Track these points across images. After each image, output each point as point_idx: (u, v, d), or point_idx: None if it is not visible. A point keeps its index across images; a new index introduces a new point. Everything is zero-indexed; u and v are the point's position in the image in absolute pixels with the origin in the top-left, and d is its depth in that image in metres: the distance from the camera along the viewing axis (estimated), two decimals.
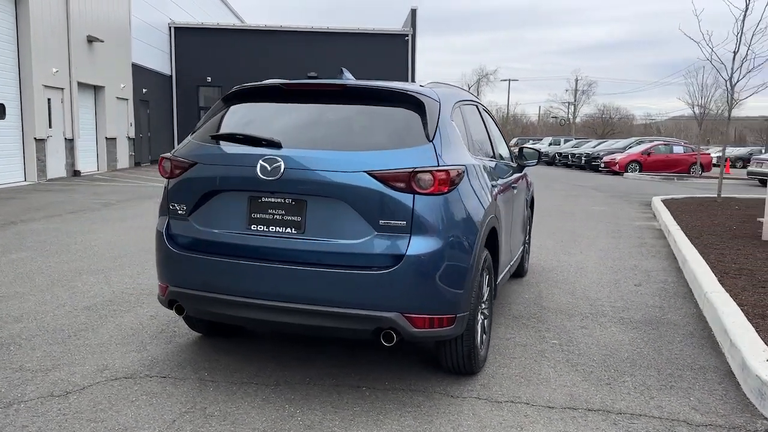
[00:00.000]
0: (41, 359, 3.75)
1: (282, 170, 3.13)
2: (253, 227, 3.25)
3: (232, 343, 4.09)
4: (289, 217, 3.18)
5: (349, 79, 3.86)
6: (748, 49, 12.37)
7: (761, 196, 16.16)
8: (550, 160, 35.39)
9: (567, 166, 33.08)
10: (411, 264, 3.01)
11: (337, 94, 3.54)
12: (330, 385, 3.47)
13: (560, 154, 34.32)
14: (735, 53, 12.80)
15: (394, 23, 32.82)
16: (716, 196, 13.89)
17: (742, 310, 4.59)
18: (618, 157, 26.77)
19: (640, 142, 29.85)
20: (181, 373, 3.59)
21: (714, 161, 30.32)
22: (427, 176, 3.04)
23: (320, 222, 3.14)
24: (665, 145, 28.06)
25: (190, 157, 3.42)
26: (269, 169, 3.14)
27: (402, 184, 3.04)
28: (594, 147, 32.73)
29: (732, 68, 12.89)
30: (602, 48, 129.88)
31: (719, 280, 5.60)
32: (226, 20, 31.77)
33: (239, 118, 3.63)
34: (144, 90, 23.40)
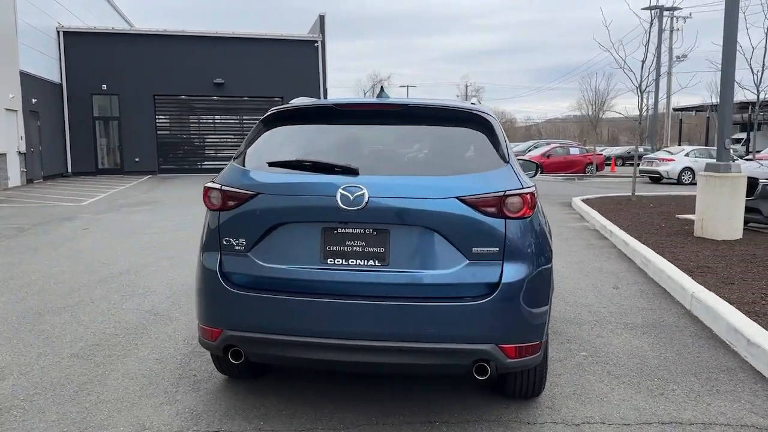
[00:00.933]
0: (60, 424, 3.26)
1: (366, 199, 2.91)
2: (329, 261, 2.99)
3: (265, 383, 3.78)
4: (371, 249, 2.97)
5: (388, 98, 3.68)
6: (654, 57, 13.34)
7: (666, 193, 17.54)
8: None
9: None
10: (506, 292, 2.90)
11: (397, 115, 3.35)
12: (401, 423, 3.28)
13: None
14: (643, 62, 13.77)
15: (298, 28, 32.36)
16: (630, 194, 14.85)
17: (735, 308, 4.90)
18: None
19: (535, 146, 31.44)
20: (235, 425, 3.25)
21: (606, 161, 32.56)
22: (517, 199, 2.95)
23: (405, 252, 2.95)
24: (562, 147, 29.74)
25: (250, 188, 3.10)
26: (351, 198, 2.91)
27: (493, 209, 2.93)
28: None
29: (641, 75, 13.85)
30: (484, 54, 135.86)
31: (693, 280, 5.95)
32: (115, 24, 29.91)
33: (291, 142, 3.36)
34: (33, 100, 21.45)
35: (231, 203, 3.12)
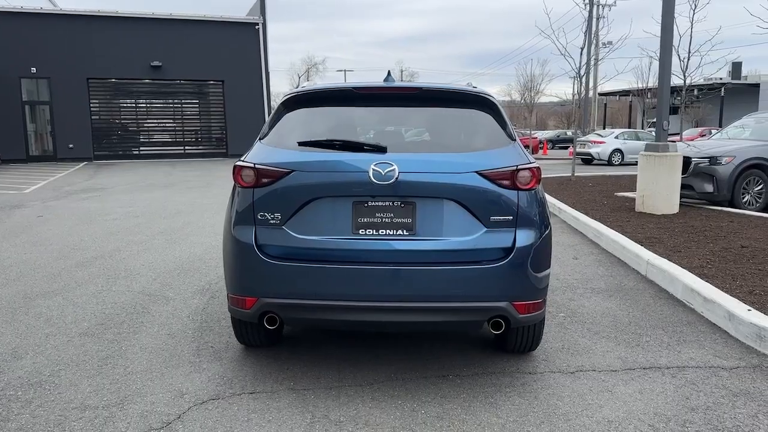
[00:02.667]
0: (98, 393, 3.41)
1: (396, 174, 3.20)
2: (360, 231, 3.27)
3: (283, 351, 4.03)
4: (399, 220, 3.26)
5: (395, 81, 3.96)
6: (595, 45, 14.09)
7: (600, 173, 18.57)
8: None
9: None
10: (519, 255, 3.28)
11: (411, 97, 3.65)
12: (418, 378, 3.62)
13: None
14: (582, 48, 14.53)
15: (237, 11, 31.77)
16: (570, 175, 15.69)
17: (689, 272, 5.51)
18: None
19: None
20: (268, 386, 3.50)
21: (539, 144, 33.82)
22: (527, 173, 3.32)
23: (430, 222, 3.27)
24: None
25: (284, 165, 3.33)
26: (383, 173, 3.20)
27: (507, 182, 3.29)
28: None
29: (580, 62, 14.61)
30: (415, 40, 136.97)
31: (646, 249, 6.57)
32: (44, 4, 28.45)
33: (314, 123, 3.59)
34: None
35: (265, 180, 3.34)
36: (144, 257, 6.95)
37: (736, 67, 38.62)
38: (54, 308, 5.00)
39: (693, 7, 14.27)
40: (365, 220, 3.28)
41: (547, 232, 3.49)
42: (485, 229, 3.27)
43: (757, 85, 38.13)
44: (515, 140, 3.53)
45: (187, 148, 27.65)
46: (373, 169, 3.21)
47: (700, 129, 32.07)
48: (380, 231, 3.28)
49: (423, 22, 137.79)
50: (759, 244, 6.69)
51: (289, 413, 3.19)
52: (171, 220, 9.78)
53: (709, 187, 10.03)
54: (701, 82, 24.27)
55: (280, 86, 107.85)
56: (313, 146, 3.40)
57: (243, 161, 3.45)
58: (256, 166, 3.37)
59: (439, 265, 3.23)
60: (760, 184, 10.07)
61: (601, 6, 41.71)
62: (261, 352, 4.02)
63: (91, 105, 25.91)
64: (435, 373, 3.70)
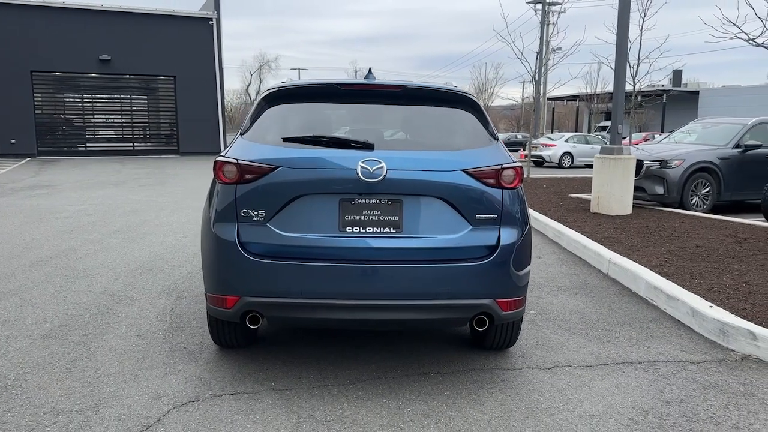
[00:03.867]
0: (69, 397, 3.27)
1: (384, 172, 3.19)
2: (347, 229, 3.24)
3: (258, 352, 3.96)
4: (386, 217, 3.25)
5: (375, 79, 3.95)
6: (550, 50, 14.45)
7: (552, 176, 19.00)
8: None
9: None
10: (503, 253, 3.32)
11: (395, 95, 3.64)
12: (400, 376, 3.62)
13: None
14: (538, 53, 14.86)
15: (190, 5, 31.05)
16: (526, 177, 16.02)
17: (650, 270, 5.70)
18: None
19: None
20: (248, 387, 3.43)
21: None
22: (511, 172, 3.36)
23: (417, 220, 3.27)
24: None
25: (269, 161, 3.26)
26: (371, 171, 3.18)
27: (492, 180, 3.32)
28: None
29: (536, 66, 14.94)
30: (366, 40, 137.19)
31: (608, 249, 6.77)
32: None
33: (297, 118, 3.54)
34: None
35: (248, 176, 3.27)
36: (102, 256, 6.71)
37: (677, 74, 40.28)
38: (12, 309, 4.77)
39: (642, 15, 14.79)
40: (352, 217, 3.25)
41: (527, 230, 3.55)
42: (471, 227, 3.30)
43: (696, 93, 39.90)
44: (498, 140, 3.57)
45: (136, 145, 26.86)
46: (361, 166, 3.19)
47: (644, 134, 33.25)
48: (367, 229, 3.26)
49: (376, 23, 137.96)
50: (712, 244, 6.99)
51: (274, 413, 3.13)
52: (126, 218, 9.48)
53: (660, 189, 10.41)
54: (646, 88, 25.26)
55: (232, 83, 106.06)
56: (299, 142, 3.36)
57: (225, 156, 3.37)
58: (239, 161, 3.30)
59: (427, 263, 3.23)
60: (707, 187, 10.52)
61: (551, 13, 42.64)
62: (238, 352, 3.94)
63: (35, 99, 24.85)
64: (416, 370, 3.71)
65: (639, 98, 29.37)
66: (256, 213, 3.26)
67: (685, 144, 11.75)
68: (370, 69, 3.98)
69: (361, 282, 3.20)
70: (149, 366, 3.71)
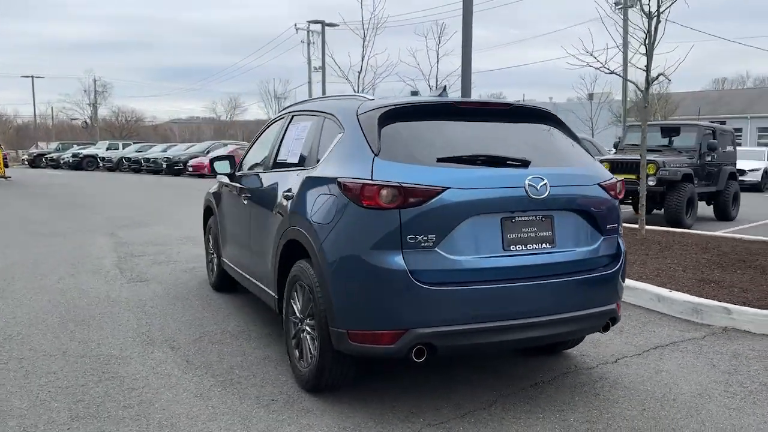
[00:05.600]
0: None
1: (548, 188, 3.33)
2: (511, 248, 3.30)
3: (342, 394, 3.72)
4: (541, 233, 3.40)
5: (448, 96, 3.98)
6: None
7: None
8: (115, 166, 34.25)
9: (136, 171, 32.39)
10: (623, 259, 3.74)
11: (503, 113, 3.81)
12: (517, 390, 3.75)
13: (128, 158, 33.75)
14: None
15: None
16: None
17: None
18: (205, 160, 27.82)
19: (208, 150, 31.23)
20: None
21: None
22: (620, 183, 3.80)
23: (565, 233, 3.48)
24: (242, 148, 30.50)
25: (438, 183, 3.15)
26: (537, 188, 3.30)
27: (614, 192, 3.71)
28: (164, 152, 33.11)
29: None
30: (98, 47, 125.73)
31: None
32: None
33: (427, 136, 3.52)
34: None
35: (413, 200, 3.13)
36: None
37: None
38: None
39: (438, 42, 16.40)
40: (514, 235, 3.34)
41: None
42: (603, 237, 3.64)
43: None
44: (591, 153, 3.96)
45: None
46: (529, 184, 3.31)
47: None
48: (528, 246, 3.37)
49: (111, 30, 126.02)
50: None
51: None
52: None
53: None
54: None
55: None
56: (456, 162, 3.34)
57: (376, 180, 3.16)
58: (403, 184, 3.14)
59: (574, 275, 3.47)
60: None
61: (311, 32, 43.85)
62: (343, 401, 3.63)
63: None
64: (528, 383, 3.86)
65: None
66: (425, 238, 3.14)
67: None
68: (444, 86, 4.05)
69: (528, 300, 3.32)
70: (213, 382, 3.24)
